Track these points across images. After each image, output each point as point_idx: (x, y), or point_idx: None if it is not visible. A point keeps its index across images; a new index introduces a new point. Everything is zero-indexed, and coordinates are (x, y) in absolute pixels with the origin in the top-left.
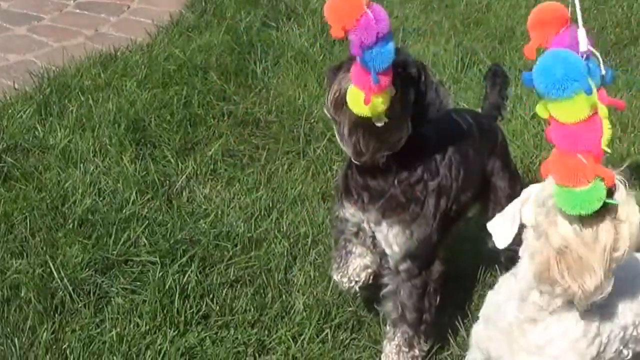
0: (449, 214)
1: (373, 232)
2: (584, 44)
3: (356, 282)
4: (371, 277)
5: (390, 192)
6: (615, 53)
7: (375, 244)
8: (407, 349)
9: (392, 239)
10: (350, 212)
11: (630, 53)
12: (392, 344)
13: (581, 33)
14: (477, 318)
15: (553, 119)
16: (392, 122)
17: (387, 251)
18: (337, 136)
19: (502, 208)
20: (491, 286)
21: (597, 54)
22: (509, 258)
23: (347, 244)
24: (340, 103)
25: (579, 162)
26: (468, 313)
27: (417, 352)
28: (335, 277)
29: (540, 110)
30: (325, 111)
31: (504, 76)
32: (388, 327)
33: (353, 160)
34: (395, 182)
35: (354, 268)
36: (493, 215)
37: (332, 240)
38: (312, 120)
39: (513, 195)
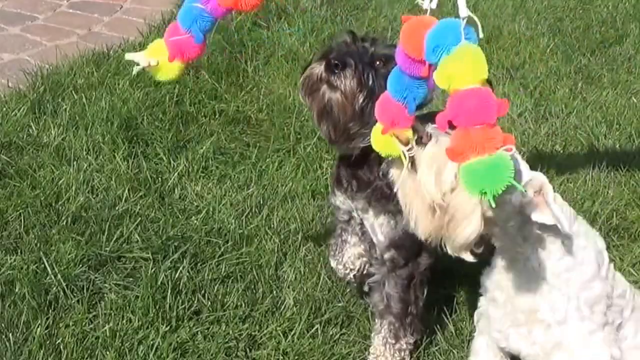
0: None
1: (361, 220)
2: (463, 9)
3: (351, 269)
4: (366, 266)
5: (375, 183)
6: (601, 52)
7: (364, 232)
8: (393, 341)
9: (378, 228)
10: (340, 199)
11: (615, 52)
12: (379, 337)
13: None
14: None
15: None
16: (357, 114)
17: (374, 240)
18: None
19: None
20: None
21: (476, 19)
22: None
23: (343, 233)
24: (310, 88)
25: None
26: (456, 308)
27: (403, 344)
28: (332, 264)
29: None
30: (300, 97)
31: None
32: (376, 320)
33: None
34: (380, 174)
35: (349, 256)
36: None
37: (322, 237)
38: (303, 119)
39: None
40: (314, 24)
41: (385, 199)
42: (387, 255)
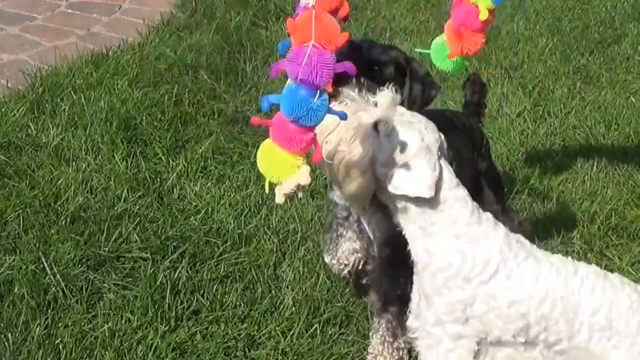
0: None
1: (359, 217)
2: None
3: (345, 265)
4: (361, 263)
5: None
6: (599, 52)
7: (361, 230)
8: (391, 339)
9: (374, 225)
10: (337, 194)
11: (614, 52)
12: (377, 335)
13: None
14: None
15: None
16: None
17: (370, 236)
18: None
19: (490, 206)
20: None
21: None
22: None
23: (339, 227)
24: None
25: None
26: None
27: (401, 343)
28: (326, 259)
29: None
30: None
31: (482, 84)
32: (374, 319)
33: None
34: None
35: (343, 251)
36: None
37: (320, 237)
38: None
39: (501, 192)
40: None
41: None
42: (384, 253)
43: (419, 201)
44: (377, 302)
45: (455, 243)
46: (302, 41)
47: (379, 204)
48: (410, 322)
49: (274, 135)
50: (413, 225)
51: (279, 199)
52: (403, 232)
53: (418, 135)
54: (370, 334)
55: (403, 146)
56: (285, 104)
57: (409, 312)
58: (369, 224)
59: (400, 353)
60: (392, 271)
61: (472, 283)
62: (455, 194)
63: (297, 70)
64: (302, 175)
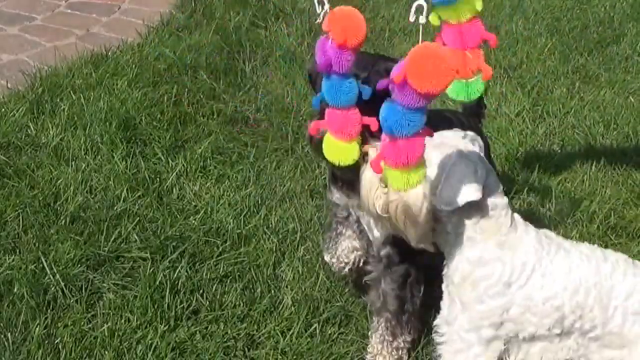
0: None
1: (358, 217)
2: None
3: (346, 263)
4: (361, 261)
5: None
6: (598, 51)
7: (361, 230)
8: (390, 339)
9: (374, 224)
10: (336, 196)
11: (612, 52)
12: (377, 335)
13: None
14: None
15: (444, 22)
16: None
17: (370, 236)
18: None
19: None
20: None
21: None
22: None
23: (338, 226)
24: None
25: (465, 57)
26: None
27: (400, 342)
28: (326, 257)
29: (433, 19)
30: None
31: None
32: (373, 318)
33: None
34: None
35: (343, 249)
36: None
37: (320, 237)
38: (301, 118)
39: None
40: (311, 24)
41: None
42: (383, 252)
43: (470, 211)
44: (376, 301)
45: (499, 252)
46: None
47: None
48: (441, 328)
49: (330, 127)
50: (461, 238)
51: None
52: (442, 249)
53: (449, 149)
54: (370, 333)
55: (443, 167)
56: (327, 94)
57: (438, 317)
58: (369, 224)
59: (400, 352)
60: (391, 270)
61: (511, 288)
62: (501, 201)
63: (322, 62)
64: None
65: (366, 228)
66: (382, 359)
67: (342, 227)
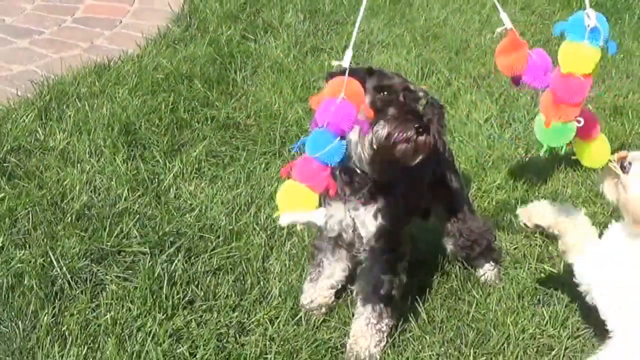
0: (413, 204)
1: (353, 220)
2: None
3: (319, 305)
4: (333, 295)
5: (367, 186)
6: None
7: (349, 243)
8: (375, 321)
9: (369, 221)
10: (333, 207)
11: None
12: (362, 318)
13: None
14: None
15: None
16: None
17: (363, 233)
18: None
19: (459, 204)
20: (448, 273)
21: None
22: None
23: (323, 261)
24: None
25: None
26: (429, 297)
27: (384, 326)
28: (306, 287)
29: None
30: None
31: (440, 107)
32: (358, 305)
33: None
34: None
35: (321, 287)
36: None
37: (305, 232)
38: (287, 124)
39: (464, 194)
40: (297, 37)
41: (374, 199)
42: (377, 244)
43: None
44: (367, 285)
45: None
46: (332, 96)
47: (372, 205)
48: None
49: (299, 173)
50: None
51: (284, 222)
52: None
53: None
54: (354, 318)
55: None
56: (311, 144)
57: None
58: (363, 223)
59: (381, 335)
60: (383, 257)
61: None
62: None
63: (324, 117)
64: (318, 217)
65: (360, 226)
66: (364, 340)
67: (326, 262)
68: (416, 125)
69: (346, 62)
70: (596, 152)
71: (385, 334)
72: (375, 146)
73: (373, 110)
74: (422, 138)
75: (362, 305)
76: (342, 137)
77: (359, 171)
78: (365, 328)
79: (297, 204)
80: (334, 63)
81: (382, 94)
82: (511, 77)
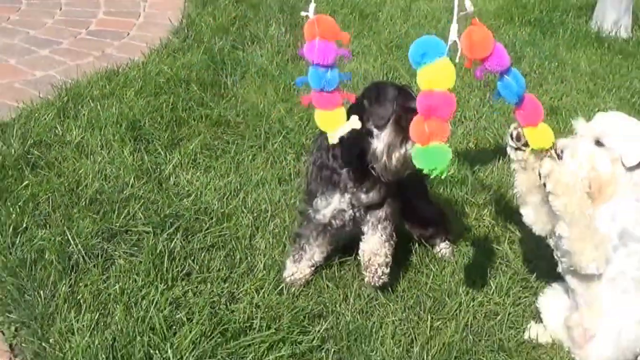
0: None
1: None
2: (454, 34)
3: (299, 279)
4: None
5: (377, 186)
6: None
7: (340, 227)
8: (387, 238)
9: (371, 196)
10: (334, 199)
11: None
12: (375, 237)
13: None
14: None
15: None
16: None
17: (364, 199)
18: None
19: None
20: (409, 250)
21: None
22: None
23: (305, 246)
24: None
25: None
26: (392, 270)
27: (392, 241)
28: (289, 265)
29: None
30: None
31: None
32: (368, 230)
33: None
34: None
35: (302, 266)
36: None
37: (286, 214)
38: (271, 121)
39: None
40: (279, 47)
41: (381, 197)
42: (381, 214)
43: None
44: (379, 212)
45: None
46: (311, 38)
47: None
48: None
49: (316, 103)
50: None
51: (335, 139)
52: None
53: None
54: (363, 241)
55: None
56: (311, 81)
57: None
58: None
59: (391, 249)
60: (385, 226)
61: None
62: None
63: (311, 57)
64: (354, 123)
65: (363, 196)
66: (382, 249)
67: (308, 247)
68: None
69: (311, 11)
70: (541, 135)
71: (392, 250)
72: (405, 160)
73: (400, 127)
74: None
75: (372, 229)
76: (332, 67)
77: (374, 173)
78: (379, 246)
79: (332, 124)
80: (302, 14)
81: (409, 114)
82: (476, 66)
